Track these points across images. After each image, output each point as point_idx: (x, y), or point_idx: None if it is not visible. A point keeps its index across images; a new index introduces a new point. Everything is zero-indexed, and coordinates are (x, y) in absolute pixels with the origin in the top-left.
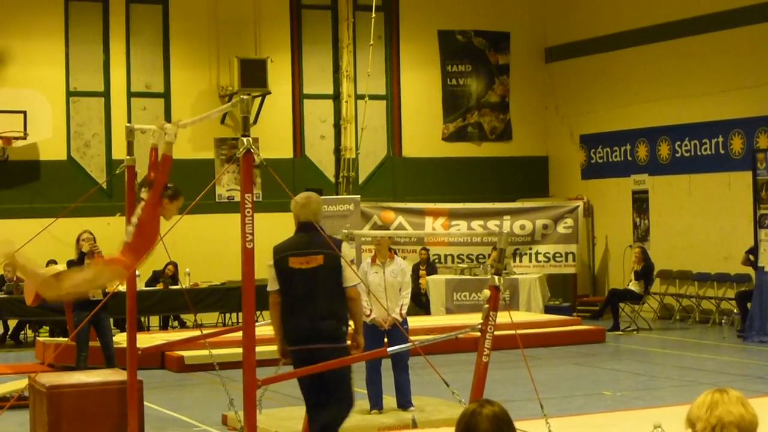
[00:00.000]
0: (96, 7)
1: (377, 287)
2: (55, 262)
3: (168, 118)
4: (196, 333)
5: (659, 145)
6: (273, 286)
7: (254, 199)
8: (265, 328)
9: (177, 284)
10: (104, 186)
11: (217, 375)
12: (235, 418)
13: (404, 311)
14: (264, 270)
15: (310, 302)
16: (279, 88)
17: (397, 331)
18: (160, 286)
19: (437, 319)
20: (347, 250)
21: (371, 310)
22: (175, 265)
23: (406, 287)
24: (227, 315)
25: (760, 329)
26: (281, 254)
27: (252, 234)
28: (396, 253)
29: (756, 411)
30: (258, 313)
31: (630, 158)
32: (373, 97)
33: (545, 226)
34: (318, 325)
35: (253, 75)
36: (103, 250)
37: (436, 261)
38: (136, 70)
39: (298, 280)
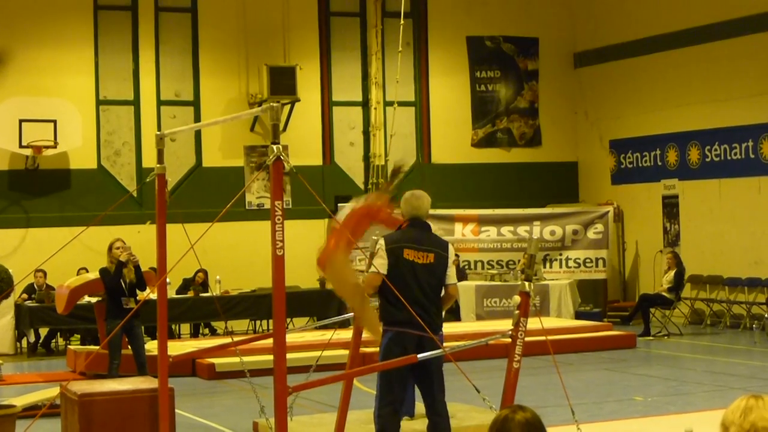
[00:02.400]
0: (125, 15)
1: None
2: (87, 270)
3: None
4: (227, 340)
5: (689, 149)
6: (383, 268)
7: (284, 206)
8: (295, 335)
9: (207, 292)
10: (134, 194)
11: (247, 382)
12: (266, 425)
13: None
14: (294, 277)
15: (417, 294)
16: (308, 95)
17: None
18: (190, 294)
19: (467, 325)
20: (452, 251)
21: None
22: (206, 273)
23: None
24: (258, 322)
25: None
26: (396, 244)
27: (282, 241)
28: None
29: None
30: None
31: (660, 163)
32: (401, 104)
33: (575, 232)
34: (428, 317)
35: (283, 82)
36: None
37: (466, 267)
38: (165, 79)
39: (408, 271)
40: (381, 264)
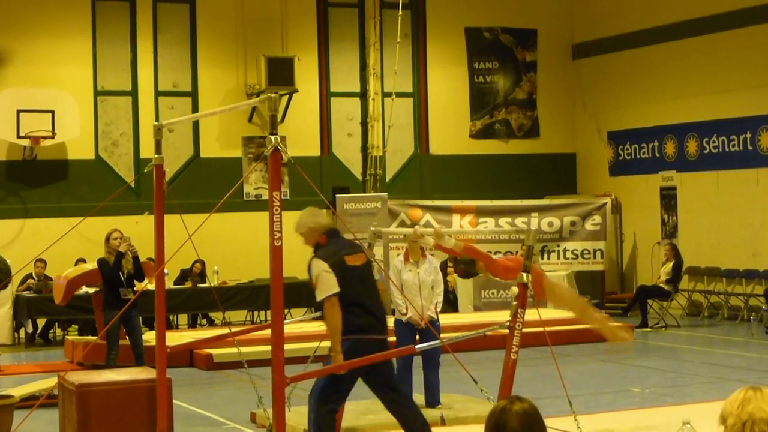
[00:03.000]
0: (123, 6)
1: (412, 286)
2: (84, 261)
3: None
4: (225, 331)
5: (687, 141)
6: (333, 288)
7: (282, 197)
8: (293, 326)
9: (205, 282)
10: (132, 185)
11: (245, 373)
12: (264, 416)
13: (439, 308)
14: (292, 268)
15: (368, 296)
16: (306, 86)
17: (429, 330)
18: (188, 285)
19: (465, 316)
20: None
21: (407, 309)
22: (203, 263)
23: (439, 285)
24: (255, 313)
25: None
26: (336, 256)
27: (280, 232)
28: (425, 251)
29: None
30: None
31: (658, 155)
32: (400, 95)
33: (573, 223)
34: (381, 317)
35: (281, 73)
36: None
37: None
38: (163, 69)
39: (356, 276)
40: (331, 285)
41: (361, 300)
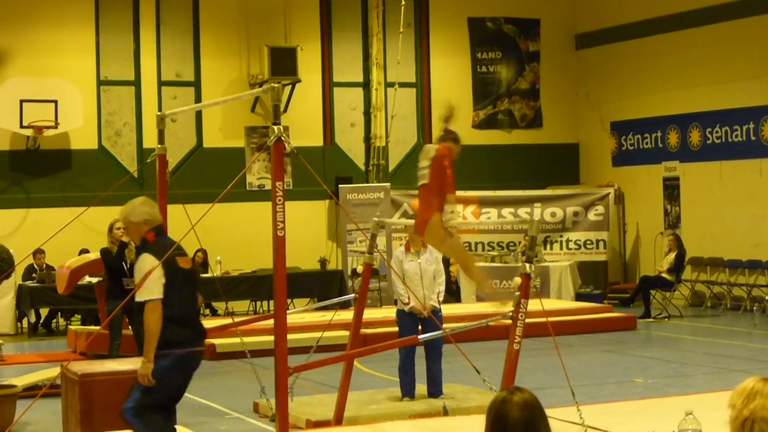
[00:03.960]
0: None
1: (413, 275)
2: (88, 251)
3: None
4: (228, 321)
5: (690, 131)
6: (159, 293)
7: (285, 187)
8: (295, 316)
9: (207, 271)
10: (135, 175)
11: (248, 363)
12: (267, 406)
13: (441, 298)
14: (294, 258)
15: (191, 304)
16: (309, 76)
17: (431, 320)
18: None
19: (468, 306)
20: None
21: (409, 299)
22: (205, 252)
23: (441, 275)
24: (258, 303)
25: None
26: (169, 256)
27: (283, 222)
28: None
29: None
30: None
31: (661, 145)
32: (402, 85)
33: (576, 214)
34: (200, 328)
35: (283, 63)
36: None
37: (467, 249)
38: (166, 59)
39: (184, 280)
40: (158, 287)
41: (185, 308)
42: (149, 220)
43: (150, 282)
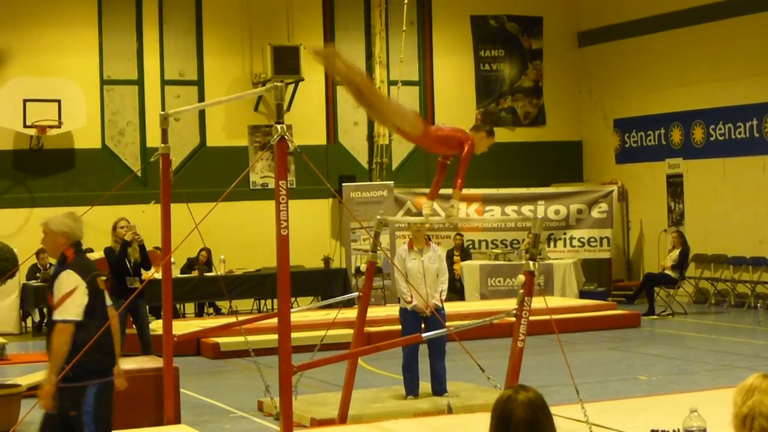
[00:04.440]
0: None
1: (416, 274)
2: (92, 250)
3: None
4: (232, 320)
5: (693, 128)
6: (78, 315)
7: (288, 185)
8: (299, 315)
9: (211, 270)
10: (139, 174)
11: (252, 361)
12: (271, 404)
13: (444, 297)
14: (299, 256)
15: (108, 328)
16: (312, 74)
17: (434, 318)
18: (195, 273)
19: (472, 304)
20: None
21: (412, 297)
22: (209, 252)
23: (444, 273)
24: (262, 302)
25: None
26: (91, 275)
27: (287, 221)
28: (430, 240)
29: None
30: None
31: (664, 142)
32: (405, 83)
33: (579, 211)
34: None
35: (286, 62)
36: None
37: (470, 247)
38: (169, 58)
39: (103, 302)
40: (81, 302)
41: (104, 334)
42: (67, 233)
43: (74, 300)
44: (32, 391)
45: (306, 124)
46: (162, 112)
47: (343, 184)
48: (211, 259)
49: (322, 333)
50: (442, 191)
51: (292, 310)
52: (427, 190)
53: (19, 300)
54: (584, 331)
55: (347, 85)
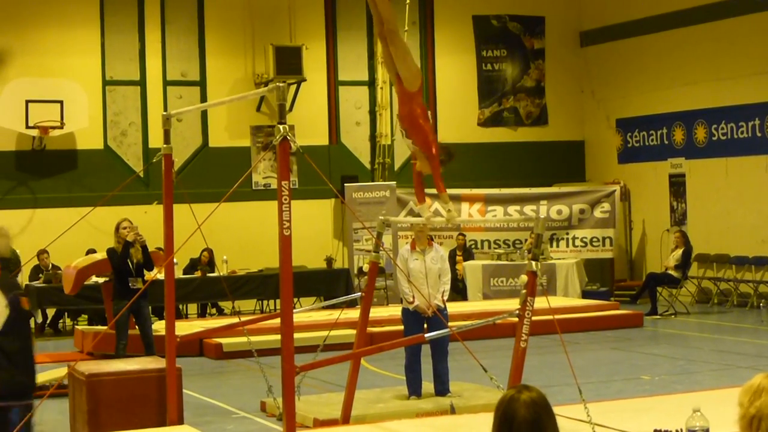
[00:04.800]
0: None
1: (418, 274)
2: (95, 251)
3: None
4: (235, 320)
5: (696, 128)
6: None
7: (291, 186)
8: (302, 315)
9: (213, 270)
10: (141, 175)
11: (255, 362)
12: (274, 405)
13: (446, 297)
14: (301, 257)
15: (31, 349)
16: (314, 75)
17: (437, 318)
18: (197, 274)
19: (474, 304)
20: None
21: (414, 297)
22: (210, 252)
23: (446, 273)
24: (265, 302)
25: None
26: (13, 292)
27: (289, 221)
28: (433, 240)
29: None
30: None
31: (666, 142)
32: None
33: (582, 211)
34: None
35: (289, 62)
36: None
37: (473, 246)
38: (171, 59)
39: (27, 323)
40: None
41: (27, 353)
42: None
43: None
44: (36, 392)
45: (308, 125)
46: (164, 113)
47: (345, 184)
48: (213, 259)
49: (324, 333)
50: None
51: (294, 310)
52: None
53: None
54: (587, 331)
55: (376, 15)
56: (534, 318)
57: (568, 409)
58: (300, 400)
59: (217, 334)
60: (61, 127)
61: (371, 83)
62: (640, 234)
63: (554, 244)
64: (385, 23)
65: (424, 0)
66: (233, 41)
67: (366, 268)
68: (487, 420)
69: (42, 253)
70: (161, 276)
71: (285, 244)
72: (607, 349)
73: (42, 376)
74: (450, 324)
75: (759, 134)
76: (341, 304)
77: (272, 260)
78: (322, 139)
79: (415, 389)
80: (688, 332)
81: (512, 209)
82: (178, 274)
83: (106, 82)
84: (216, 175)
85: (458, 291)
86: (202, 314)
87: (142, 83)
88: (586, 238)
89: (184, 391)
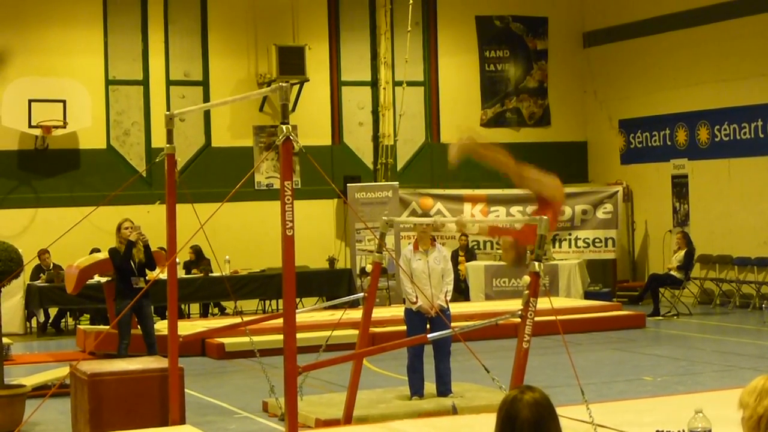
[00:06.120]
0: None
1: (421, 274)
2: (99, 250)
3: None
4: (237, 320)
5: (698, 129)
6: None
7: (293, 186)
8: (305, 315)
9: (199, 267)
10: (144, 174)
11: (257, 362)
12: (276, 405)
13: (449, 298)
14: (303, 257)
15: None
16: (317, 75)
17: (439, 319)
18: (195, 273)
19: (477, 305)
20: None
21: (416, 298)
22: (195, 251)
23: (449, 274)
24: (267, 302)
25: None
26: None
27: (292, 221)
28: (435, 240)
29: None
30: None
31: (669, 143)
32: (411, 84)
33: (585, 212)
34: None
35: (292, 62)
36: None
37: (475, 247)
38: (174, 59)
39: None
40: None
41: None
42: None
43: None
44: (37, 391)
45: (311, 125)
46: (167, 113)
47: (348, 184)
48: (201, 257)
49: (327, 333)
50: (448, 191)
51: (297, 310)
52: (432, 191)
53: (23, 300)
54: (589, 331)
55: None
56: (536, 319)
57: (570, 409)
58: (302, 401)
59: (219, 334)
60: (64, 127)
61: (374, 83)
62: (643, 235)
63: (557, 244)
64: (510, 174)
65: (427, 0)
66: (236, 41)
67: (369, 268)
68: (489, 420)
69: (43, 252)
70: (163, 276)
71: (288, 244)
72: (610, 350)
73: (44, 376)
74: (452, 324)
75: (762, 135)
76: (343, 305)
77: (275, 260)
78: (324, 139)
79: (417, 390)
80: (690, 333)
81: (515, 210)
82: (180, 273)
83: (109, 82)
84: (219, 175)
85: (461, 291)
86: (204, 314)
87: (145, 83)
88: (588, 238)
89: (186, 390)
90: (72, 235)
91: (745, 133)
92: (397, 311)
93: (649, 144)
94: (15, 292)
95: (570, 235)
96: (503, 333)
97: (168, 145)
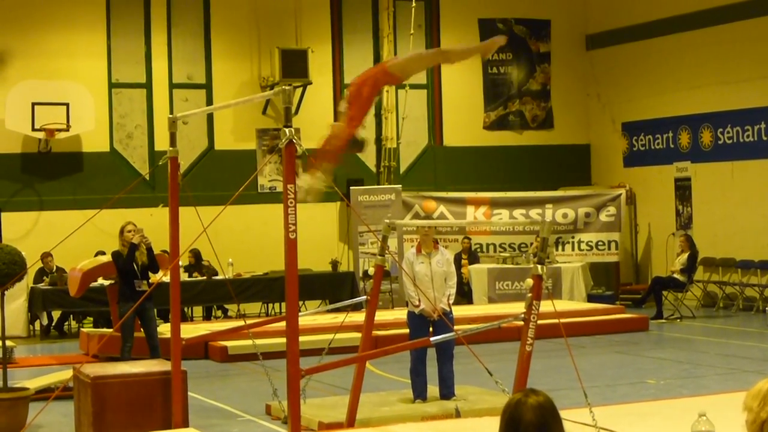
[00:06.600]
0: None
1: (424, 277)
2: (103, 253)
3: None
4: (240, 323)
5: (701, 132)
6: None
7: (296, 189)
8: (307, 318)
9: (199, 270)
10: (147, 177)
11: (260, 365)
12: (279, 408)
13: (451, 300)
14: (307, 260)
15: None
16: (320, 78)
17: (442, 322)
18: (197, 276)
19: (480, 308)
20: None
21: (419, 301)
22: (195, 254)
23: (452, 277)
24: (270, 305)
25: None
26: None
27: (295, 224)
28: (438, 243)
29: None
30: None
31: (672, 145)
32: (413, 87)
33: (588, 215)
34: None
35: (294, 65)
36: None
37: (478, 250)
38: (177, 62)
39: None
40: None
41: None
42: None
43: None
44: (41, 394)
45: (314, 128)
46: (170, 116)
47: (350, 187)
48: (200, 261)
49: (330, 336)
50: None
51: (300, 313)
52: (435, 194)
53: (27, 303)
54: (592, 334)
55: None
56: (539, 322)
57: (573, 413)
58: (305, 404)
59: (222, 337)
60: (67, 130)
61: None
62: (646, 238)
63: (560, 247)
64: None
65: (430, 3)
66: (239, 44)
67: (371, 271)
68: (492, 424)
69: (46, 255)
70: (167, 279)
71: (290, 247)
72: (613, 353)
73: (47, 379)
74: (455, 327)
75: (765, 138)
76: (346, 308)
77: (277, 263)
78: None
79: (420, 393)
80: (693, 336)
81: (518, 213)
82: (182, 276)
83: (112, 85)
84: (221, 178)
85: (463, 294)
86: (207, 317)
87: (148, 86)
88: (591, 241)
89: (189, 393)
90: (75, 238)
91: (748, 136)
92: (400, 314)
93: (652, 147)
94: (18, 295)
95: (573, 238)
96: (506, 336)
97: (171, 148)
